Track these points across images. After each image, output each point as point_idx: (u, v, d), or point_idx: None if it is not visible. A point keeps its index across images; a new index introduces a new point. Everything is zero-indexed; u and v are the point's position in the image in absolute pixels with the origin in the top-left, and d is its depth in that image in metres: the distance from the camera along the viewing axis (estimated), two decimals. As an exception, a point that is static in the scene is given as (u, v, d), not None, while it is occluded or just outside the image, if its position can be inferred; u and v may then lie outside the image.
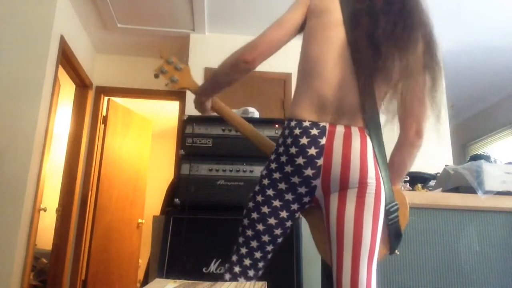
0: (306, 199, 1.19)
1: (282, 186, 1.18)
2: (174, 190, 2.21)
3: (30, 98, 2.64)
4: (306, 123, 1.16)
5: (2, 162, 2.51)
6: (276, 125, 2.10)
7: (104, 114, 3.87)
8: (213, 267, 1.94)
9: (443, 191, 2.00)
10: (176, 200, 2.03)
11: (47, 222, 3.63)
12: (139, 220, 4.09)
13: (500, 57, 3.88)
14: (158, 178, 4.58)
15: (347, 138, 1.13)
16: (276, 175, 1.19)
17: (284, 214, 1.19)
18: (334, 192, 1.14)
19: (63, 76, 3.32)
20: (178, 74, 1.55)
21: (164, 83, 1.56)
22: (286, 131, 1.19)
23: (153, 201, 3.91)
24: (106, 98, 3.93)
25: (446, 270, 1.77)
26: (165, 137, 5.05)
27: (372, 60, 1.15)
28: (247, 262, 1.21)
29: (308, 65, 1.22)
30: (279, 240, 1.23)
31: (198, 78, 3.83)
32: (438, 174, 2.25)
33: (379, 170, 1.15)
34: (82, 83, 3.69)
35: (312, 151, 1.13)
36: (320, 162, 1.13)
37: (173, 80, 1.54)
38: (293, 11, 1.26)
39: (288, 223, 1.21)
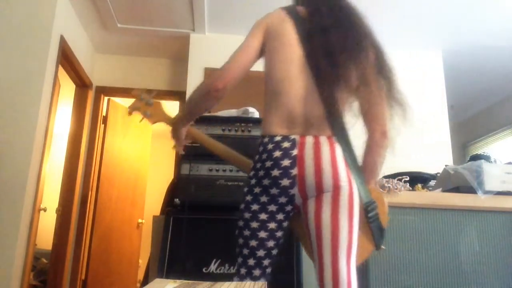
0: (288, 208, 1.27)
1: (264, 199, 1.26)
2: (174, 190, 2.22)
3: (30, 98, 2.64)
4: (278, 138, 1.25)
5: (2, 162, 2.51)
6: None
7: (104, 114, 3.87)
8: (213, 267, 1.94)
9: (443, 191, 2.00)
10: (176, 200, 2.03)
11: (47, 222, 3.63)
12: (139, 220, 4.09)
13: (500, 57, 3.88)
14: (158, 178, 4.58)
15: (317, 147, 1.22)
16: (257, 190, 1.27)
17: (272, 225, 1.26)
18: (311, 199, 1.22)
19: (63, 76, 3.32)
20: (150, 109, 1.62)
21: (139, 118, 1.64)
22: (261, 148, 1.28)
23: (153, 201, 3.90)
24: (106, 98, 3.93)
25: (446, 270, 1.77)
26: (165, 137, 5.03)
27: (330, 72, 1.25)
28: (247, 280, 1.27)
29: (273, 84, 1.30)
30: (274, 252, 1.29)
31: (198, 78, 3.84)
32: (438, 174, 2.25)
33: (350, 173, 1.24)
34: (82, 83, 3.69)
35: (286, 162, 1.21)
36: (294, 172, 1.21)
37: (147, 115, 1.61)
38: (253, 37, 1.35)
39: (278, 234, 1.28)
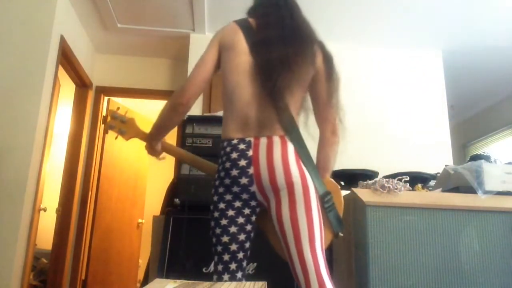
0: (253, 203, 1.38)
1: (228, 197, 1.36)
2: (174, 190, 2.22)
3: (30, 98, 2.64)
4: (235, 141, 1.36)
5: (2, 162, 2.51)
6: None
7: (104, 114, 3.87)
8: (212, 267, 1.94)
9: (443, 191, 2.00)
10: (176, 200, 2.03)
11: (47, 222, 3.63)
12: (139, 220, 4.09)
13: (500, 57, 3.88)
14: (158, 178, 4.57)
15: (269, 147, 1.33)
16: (221, 190, 1.37)
17: (241, 219, 1.37)
18: (271, 196, 1.33)
19: (63, 76, 3.32)
20: (125, 126, 1.69)
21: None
22: (221, 152, 1.39)
23: (153, 201, 3.91)
24: (106, 98, 3.93)
25: (446, 270, 1.77)
26: (165, 137, 5.04)
27: (279, 77, 1.34)
28: (226, 277, 1.35)
29: (228, 92, 1.41)
30: (246, 246, 1.38)
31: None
32: (438, 174, 2.25)
33: (303, 168, 1.34)
34: (82, 83, 3.69)
35: (242, 162, 1.33)
36: (251, 171, 1.32)
37: (122, 132, 1.69)
38: (209, 51, 1.45)
39: (248, 227, 1.38)
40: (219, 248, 1.36)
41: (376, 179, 1.95)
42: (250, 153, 1.33)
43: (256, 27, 1.47)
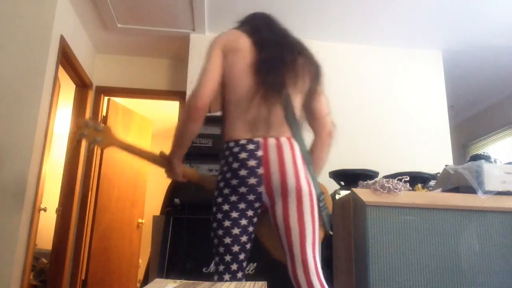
0: (256, 205, 1.39)
1: (234, 198, 1.38)
2: (174, 190, 2.22)
3: (30, 98, 2.63)
4: (243, 141, 1.38)
5: (2, 162, 2.51)
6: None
7: (104, 114, 3.87)
8: (213, 267, 1.94)
9: (443, 191, 2.00)
10: (176, 200, 2.03)
11: (47, 222, 3.62)
12: (139, 220, 4.09)
13: (500, 57, 3.88)
14: (158, 178, 4.55)
15: (279, 149, 1.36)
16: (226, 191, 1.38)
17: (244, 221, 1.38)
18: (278, 199, 1.36)
19: (63, 76, 3.32)
20: (100, 135, 1.62)
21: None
22: (227, 152, 1.40)
23: (153, 201, 3.90)
24: (106, 98, 3.93)
25: (446, 270, 1.77)
26: (165, 137, 5.03)
27: (286, 74, 1.42)
28: (227, 277, 1.37)
29: (233, 93, 1.44)
30: (248, 246, 1.41)
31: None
32: (438, 174, 2.25)
33: (309, 174, 1.40)
34: (82, 83, 3.69)
35: (252, 162, 1.35)
36: (260, 171, 1.35)
37: (97, 141, 1.61)
38: (214, 56, 1.46)
39: (250, 229, 1.40)
40: (221, 249, 1.38)
41: (376, 179, 1.95)
42: (260, 153, 1.35)
43: (256, 32, 1.52)
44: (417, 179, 2.17)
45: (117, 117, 3.90)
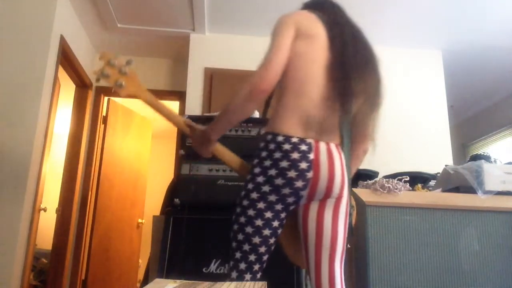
0: (292, 207, 1.32)
1: (272, 198, 1.27)
2: (174, 190, 2.22)
3: (30, 98, 2.63)
4: (295, 139, 1.27)
5: (3, 162, 2.51)
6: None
7: (104, 114, 3.86)
8: (213, 267, 1.94)
9: (443, 191, 2.00)
10: (176, 200, 2.03)
11: (47, 222, 3.63)
12: (139, 220, 4.09)
13: (500, 57, 3.88)
14: (158, 178, 4.58)
15: (330, 154, 1.29)
16: (266, 188, 1.27)
17: (276, 223, 1.29)
18: (315, 203, 1.30)
19: (63, 76, 3.32)
20: (124, 79, 1.38)
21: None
22: (272, 145, 1.28)
23: (153, 201, 3.90)
24: (106, 98, 3.93)
25: (446, 270, 1.77)
26: (165, 137, 5.05)
27: (350, 85, 1.30)
28: (247, 277, 1.29)
29: (296, 85, 1.31)
30: (272, 248, 1.33)
31: (198, 78, 3.82)
32: (438, 174, 2.25)
33: (350, 184, 1.34)
34: (82, 83, 3.69)
35: (303, 165, 1.25)
36: (310, 175, 1.26)
37: (119, 85, 1.37)
38: (285, 34, 1.31)
39: (279, 231, 1.32)
40: (247, 247, 1.28)
41: (376, 179, 1.95)
42: (312, 156, 1.26)
43: (331, 22, 1.38)
44: (417, 179, 2.17)
45: (117, 117, 3.90)
